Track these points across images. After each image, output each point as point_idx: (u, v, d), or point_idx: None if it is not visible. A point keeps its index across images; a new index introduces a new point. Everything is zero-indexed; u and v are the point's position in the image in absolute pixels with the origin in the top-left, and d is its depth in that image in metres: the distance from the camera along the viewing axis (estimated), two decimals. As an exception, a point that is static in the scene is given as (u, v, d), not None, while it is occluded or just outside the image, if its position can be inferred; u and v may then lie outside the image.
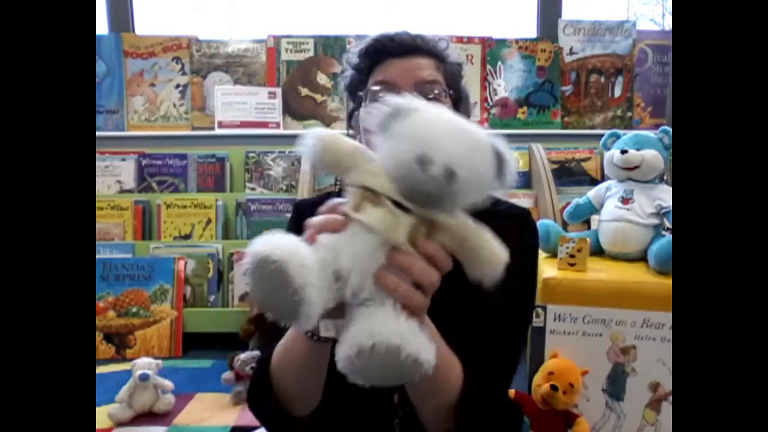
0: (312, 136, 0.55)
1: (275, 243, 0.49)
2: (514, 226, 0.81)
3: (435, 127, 0.52)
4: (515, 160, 0.54)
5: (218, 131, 2.71)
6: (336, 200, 0.56)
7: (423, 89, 0.81)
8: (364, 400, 0.73)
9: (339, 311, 0.54)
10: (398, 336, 0.49)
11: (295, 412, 0.75)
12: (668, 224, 1.46)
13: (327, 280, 0.51)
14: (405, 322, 0.51)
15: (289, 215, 1.02)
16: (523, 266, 0.80)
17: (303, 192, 2.40)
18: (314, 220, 0.56)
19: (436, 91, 0.82)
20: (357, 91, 0.88)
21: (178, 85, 2.76)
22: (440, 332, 0.67)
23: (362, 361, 0.50)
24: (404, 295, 0.53)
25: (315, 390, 0.73)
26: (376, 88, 0.83)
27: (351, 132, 0.93)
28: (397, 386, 0.72)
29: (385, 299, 0.53)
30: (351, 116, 0.93)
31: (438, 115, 0.54)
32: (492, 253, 0.55)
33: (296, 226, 0.75)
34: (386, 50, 0.84)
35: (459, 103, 0.88)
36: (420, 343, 0.51)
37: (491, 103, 2.79)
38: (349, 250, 0.52)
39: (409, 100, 0.54)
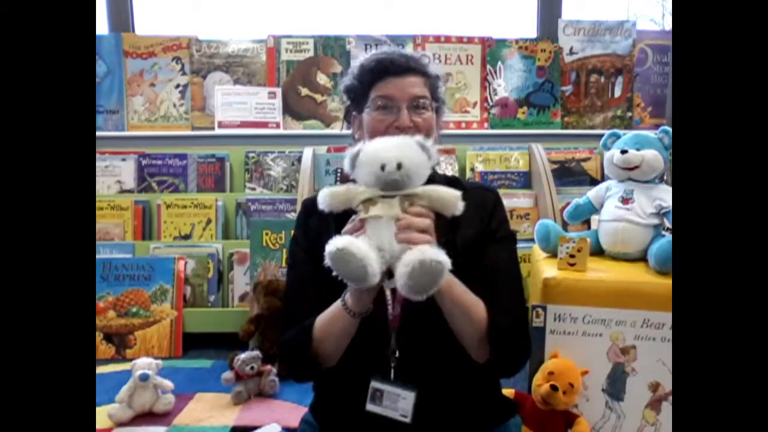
0: (322, 195, 0.92)
1: (340, 240, 0.86)
2: (486, 196, 1.10)
3: (379, 148, 0.91)
4: (433, 146, 0.93)
5: (218, 131, 2.71)
6: (356, 216, 0.92)
7: (415, 102, 1.05)
8: (367, 342, 1.00)
9: (390, 274, 0.88)
10: (422, 252, 0.84)
11: (323, 365, 1.03)
12: (668, 224, 1.46)
13: (375, 253, 0.87)
14: (423, 247, 0.85)
15: (288, 215, 1.28)
16: (509, 234, 1.10)
17: (303, 192, 2.40)
18: (347, 228, 0.92)
19: (423, 102, 1.06)
20: (357, 97, 1.10)
21: (178, 85, 2.76)
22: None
23: (414, 272, 0.83)
24: (416, 239, 0.87)
25: (342, 349, 1.01)
26: (379, 102, 1.05)
27: (347, 126, 1.17)
28: (402, 322, 1.02)
29: (408, 250, 0.86)
30: (347, 114, 1.15)
31: (377, 142, 0.93)
32: (448, 194, 0.91)
33: (306, 219, 1.12)
34: (386, 70, 1.06)
35: (439, 108, 1.11)
36: (437, 252, 0.84)
37: (491, 103, 2.79)
38: (376, 233, 0.89)
39: (357, 146, 0.93)
